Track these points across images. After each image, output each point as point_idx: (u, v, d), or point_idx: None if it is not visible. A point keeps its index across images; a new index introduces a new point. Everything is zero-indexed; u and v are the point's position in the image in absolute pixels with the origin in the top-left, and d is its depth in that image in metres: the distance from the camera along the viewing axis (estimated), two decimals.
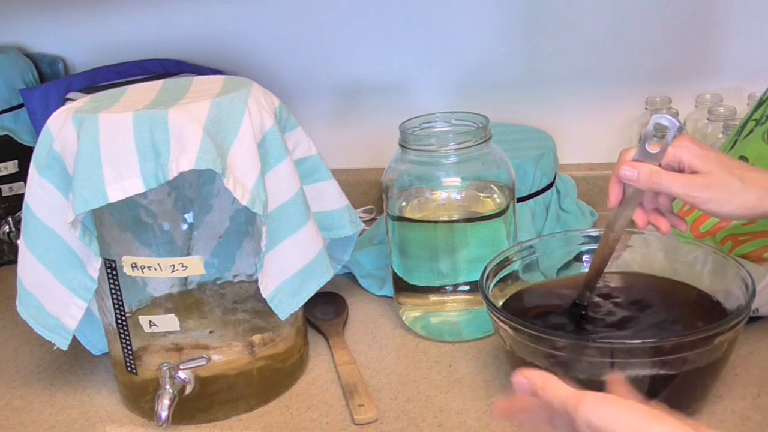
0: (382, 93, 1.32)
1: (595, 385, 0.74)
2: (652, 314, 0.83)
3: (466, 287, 0.96)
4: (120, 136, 0.77)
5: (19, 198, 1.10)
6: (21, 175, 1.27)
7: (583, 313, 0.84)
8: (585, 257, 0.94)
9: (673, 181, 0.75)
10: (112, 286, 0.84)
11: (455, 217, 0.96)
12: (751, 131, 0.96)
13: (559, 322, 0.84)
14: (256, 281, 0.83)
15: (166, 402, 0.82)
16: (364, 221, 1.02)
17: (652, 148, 0.76)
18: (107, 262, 0.84)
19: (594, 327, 0.83)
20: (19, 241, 0.87)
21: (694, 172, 0.75)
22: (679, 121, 0.76)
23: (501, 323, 0.80)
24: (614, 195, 0.79)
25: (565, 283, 0.92)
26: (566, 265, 0.95)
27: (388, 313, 1.04)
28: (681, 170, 0.76)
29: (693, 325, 0.79)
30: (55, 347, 0.88)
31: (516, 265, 0.91)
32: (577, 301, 0.85)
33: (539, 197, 1.10)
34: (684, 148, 0.76)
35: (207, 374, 0.85)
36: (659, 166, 0.76)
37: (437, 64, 1.29)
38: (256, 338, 0.89)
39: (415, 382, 0.89)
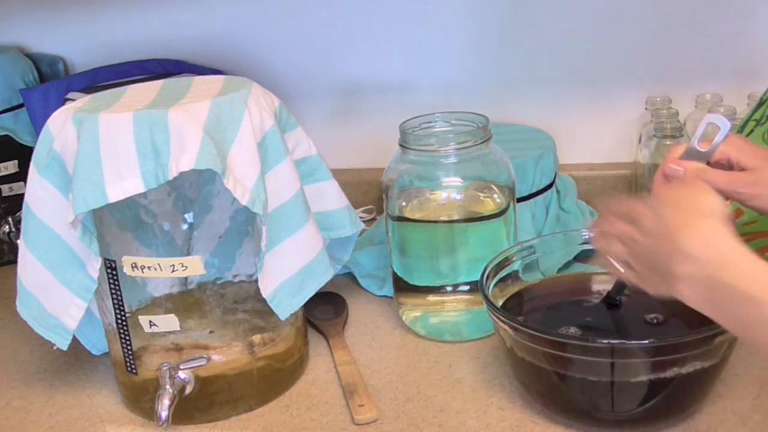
0: (382, 93, 1.32)
1: (597, 385, 0.75)
2: (652, 314, 0.83)
3: (466, 287, 0.96)
4: (120, 136, 0.77)
5: (19, 198, 1.10)
6: (21, 175, 1.27)
7: (617, 303, 0.84)
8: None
9: (718, 178, 0.75)
10: (112, 286, 0.84)
11: (455, 217, 0.96)
12: (752, 131, 0.96)
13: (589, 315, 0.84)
14: (256, 281, 0.83)
15: (166, 402, 0.82)
16: (364, 221, 1.02)
17: (702, 147, 0.76)
18: (107, 262, 0.84)
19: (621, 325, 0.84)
20: (19, 241, 0.87)
21: (742, 170, 0.75)
22: (731, 120, 0.76)
23: (501, 323, 0.80)
24: (656, 190, 0.80)
25: (565, 281, 0.92)
26: (566, 265, 0.95)
27: (388, 313, 1.04)
28: (730, 168, 0.76)
29: (693, 326, 0.79)
30: (55, 347, 0.88)
31: (516, 265, 0.91)
32: (611, 293, 0.85)
33: (539, 197, 1.10)
34: (732, 145, 0.76)
35: (207, 374, 0.85)
36: (707, 163, 0.76)
37: (437, 64, 1.29)
38: (256, 338, 0.89)
39: (415, 382, 0.89)
